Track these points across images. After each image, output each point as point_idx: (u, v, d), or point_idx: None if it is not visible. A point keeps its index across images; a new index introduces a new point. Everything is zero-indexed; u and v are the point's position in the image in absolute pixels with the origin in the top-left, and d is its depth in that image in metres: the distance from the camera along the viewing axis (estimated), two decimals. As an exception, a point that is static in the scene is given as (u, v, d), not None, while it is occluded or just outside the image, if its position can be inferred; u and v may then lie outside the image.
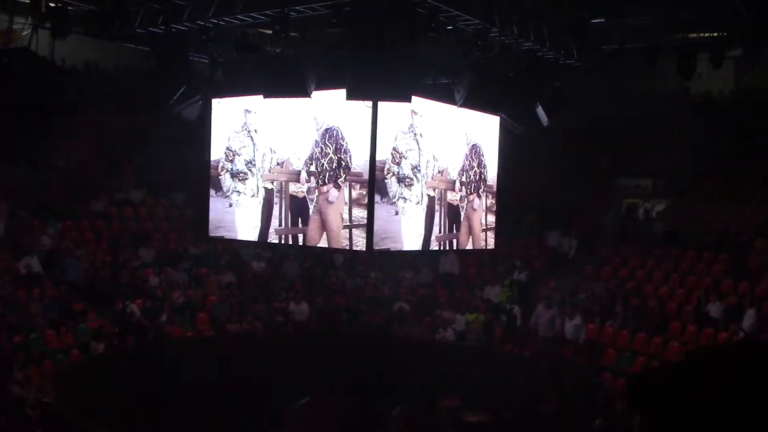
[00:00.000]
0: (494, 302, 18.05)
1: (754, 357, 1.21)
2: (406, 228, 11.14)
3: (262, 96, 11.08)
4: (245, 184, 11.96)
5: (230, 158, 12.20)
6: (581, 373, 15.46)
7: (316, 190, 11.12)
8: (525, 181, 19.78)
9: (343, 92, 10.05)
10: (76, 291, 16.34)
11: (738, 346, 1.27)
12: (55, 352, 14.78)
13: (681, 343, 15.61)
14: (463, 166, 12.05)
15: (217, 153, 12.39)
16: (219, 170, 12.32)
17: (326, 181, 11.03)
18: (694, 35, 14.01)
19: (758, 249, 17.56)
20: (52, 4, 12.51)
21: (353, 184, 10.77)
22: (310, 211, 11.16)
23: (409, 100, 10.12)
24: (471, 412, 9.96)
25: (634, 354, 15.93)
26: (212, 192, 12.40)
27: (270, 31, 13.53)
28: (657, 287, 17.69)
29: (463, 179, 12.12)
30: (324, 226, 11.03)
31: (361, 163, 10.68)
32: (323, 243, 11.23)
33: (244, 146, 12.01)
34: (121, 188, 20.24)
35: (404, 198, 11.02)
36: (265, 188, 11.74)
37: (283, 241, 11.82)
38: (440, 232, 11.79)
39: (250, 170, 11.91)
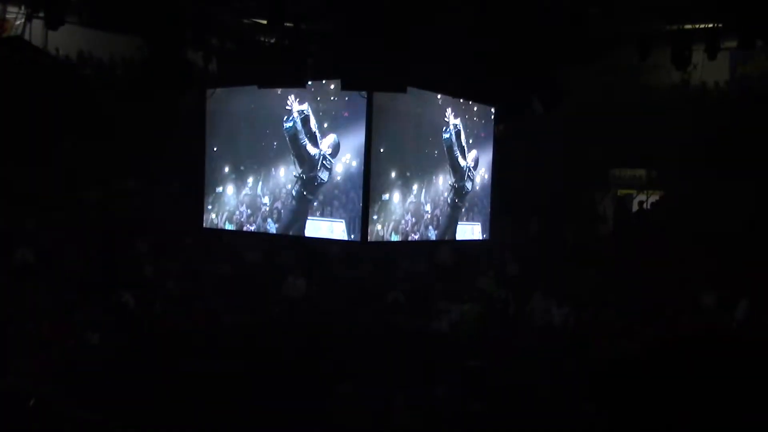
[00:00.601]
0: (488, 292, 18.09)
1: (715, 351, 1.22)
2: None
3: (256, 87, 11.06)
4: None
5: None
6: (574, 360, 15.52)
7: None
8: (519, 171, 19.78)
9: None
10: (71, 281, 16.31)
11: (698, 339, 1.27)
12: (50, 342, 14.75)
13: (674, 333, 15.70)
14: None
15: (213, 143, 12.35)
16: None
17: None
18: (690, 26, 14.01)
19: (752, 240, 17.63)
20: (45, -6, 12.45)
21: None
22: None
23: (405, 91, 10.10)
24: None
25: (626, 343, 15.99)
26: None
27: (265, 21, 13.50)
28: (650, 277, 17.75)
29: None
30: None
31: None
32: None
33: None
34: (116, 178, 20.16)
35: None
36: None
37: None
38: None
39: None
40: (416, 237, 11.62)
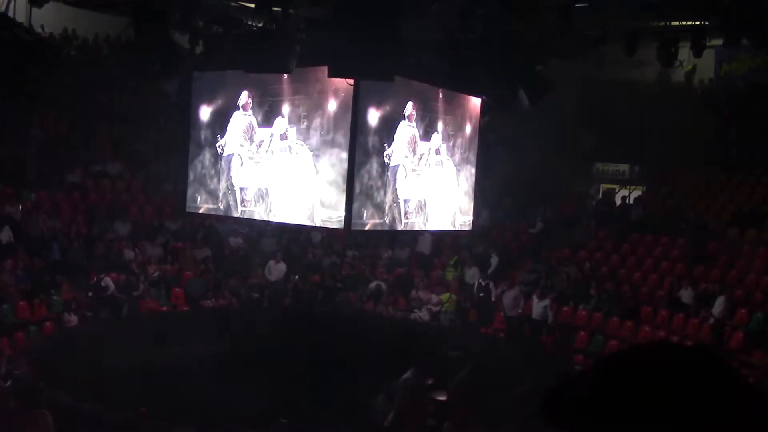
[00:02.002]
0: (470, 283, 18.18)
1: (668, 361, 1.21)
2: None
3: (243, 71, 10.98)
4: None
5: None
6: (553, 355, 15.66)
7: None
8: (503, 163, 19.82)
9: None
10: (50, 263, 16.19)
11: (650, 349, 1.24)
12: (28, 323, 14.66)
13: (653, 328, 15.87)
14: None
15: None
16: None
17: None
18: (676, 23, 14.07)
19: (731, 237, 17.82)
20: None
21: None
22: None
23: (392, 79, 10.06)
24: (439, 391, 10.07)
25: (606, 337, 16.16)
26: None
27: (252, 5, 13.39)
28: (630, 272, 17.90)
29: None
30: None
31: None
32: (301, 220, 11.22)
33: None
34: (98, 160, 19.99)
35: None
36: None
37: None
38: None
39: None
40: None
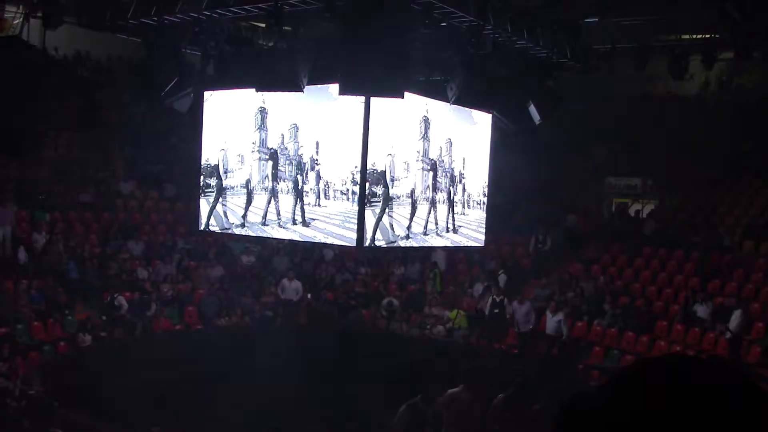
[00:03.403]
0: (482, 298, 18.08)
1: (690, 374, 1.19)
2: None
3: (254, 90, 11.03)
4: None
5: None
6: (568, 372, 15.52)
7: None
8: (515, 179, 19.80)
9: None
10: (64, 283, 16.25)
11: (665, 362, 1.22)
12: (42, 343, 14.71)
13: (668, 342, 15.73)
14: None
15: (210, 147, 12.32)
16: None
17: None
18: (687, 37, 14.07)
19: (746, 250, 17.68)
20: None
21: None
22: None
23: (402, 96, 10.08)
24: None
25: (621, 352, 16.03)
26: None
27: (263, 25, 13.49)
28: (645, 286, 17.78)
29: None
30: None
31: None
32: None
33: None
34: (111, 179, 20.12)
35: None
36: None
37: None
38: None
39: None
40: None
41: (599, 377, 15.21)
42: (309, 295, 18.47)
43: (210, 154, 12.39)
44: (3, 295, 14.95)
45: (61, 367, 14.10)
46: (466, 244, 13.23)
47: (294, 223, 11.37)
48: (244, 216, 11.89)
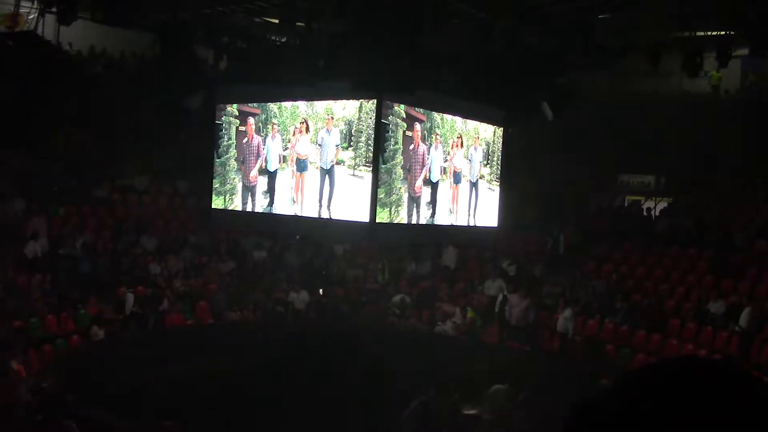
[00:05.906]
0: (492, 296, 18.05)
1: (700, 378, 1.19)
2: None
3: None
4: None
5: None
6: (580, 371, 15.46)
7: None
8: (528, 176, 19.76)
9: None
10: (78, 277, 16.36)
11: (677, 363, 1.22)
12: (55, 337, 14.80)
13: (680, 341, 15.66)
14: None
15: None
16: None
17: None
18: (701, 33, 13.99)
19: (759, 249, 17.57)
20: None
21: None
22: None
23: (413, 93, 10.10)
24: (469, 405, 10.03)
25: (633, 351, 15.97)
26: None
27: (275, 21, 13.53)
28: (657, 284, 17.70)
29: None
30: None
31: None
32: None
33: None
34: (125, 175, 20.22)
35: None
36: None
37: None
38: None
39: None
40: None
41: (610, 376, 15.16)
42: (320, 291, 18.49)
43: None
44: (17, 288, 15.07)
45: (74, 360, 14.18)
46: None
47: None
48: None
